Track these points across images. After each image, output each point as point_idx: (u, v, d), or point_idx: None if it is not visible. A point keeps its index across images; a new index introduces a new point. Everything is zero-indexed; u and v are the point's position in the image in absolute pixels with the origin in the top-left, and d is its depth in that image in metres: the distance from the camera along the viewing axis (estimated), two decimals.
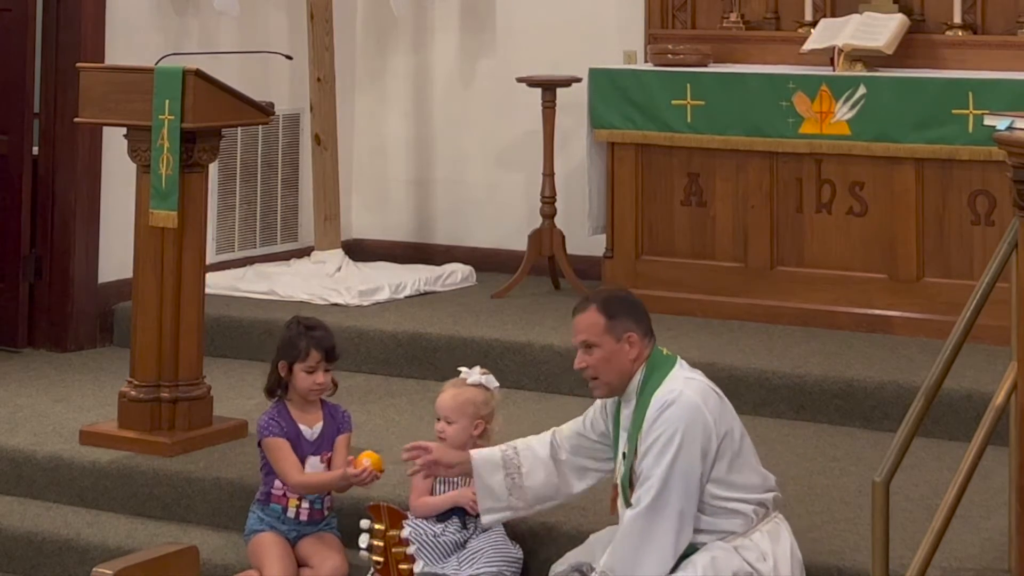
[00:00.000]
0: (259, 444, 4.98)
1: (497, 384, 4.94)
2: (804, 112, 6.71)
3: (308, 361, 4.95)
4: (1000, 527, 4.60)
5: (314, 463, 4.96)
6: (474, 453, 4.57)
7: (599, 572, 4.23)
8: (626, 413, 4.38)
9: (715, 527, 4.25)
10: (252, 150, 7.90)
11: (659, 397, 4.25)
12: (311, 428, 4.98)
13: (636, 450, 4.27)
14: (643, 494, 4.20)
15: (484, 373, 4.91)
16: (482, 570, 4.69)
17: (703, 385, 4.32)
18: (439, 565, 4.70)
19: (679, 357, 4.41)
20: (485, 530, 4.77)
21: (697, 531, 4.23)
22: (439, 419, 4.86)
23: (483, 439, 4.86)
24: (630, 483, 4.31)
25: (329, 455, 4.98)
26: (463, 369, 4.95)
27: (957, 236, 6.53)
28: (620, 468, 4.40)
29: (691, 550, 4.24)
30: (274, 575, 4.78)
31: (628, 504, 4.29)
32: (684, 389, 4.26)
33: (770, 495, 4.35)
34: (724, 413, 4.30)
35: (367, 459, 4.78)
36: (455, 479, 4.81)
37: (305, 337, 4.96)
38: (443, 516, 4.78)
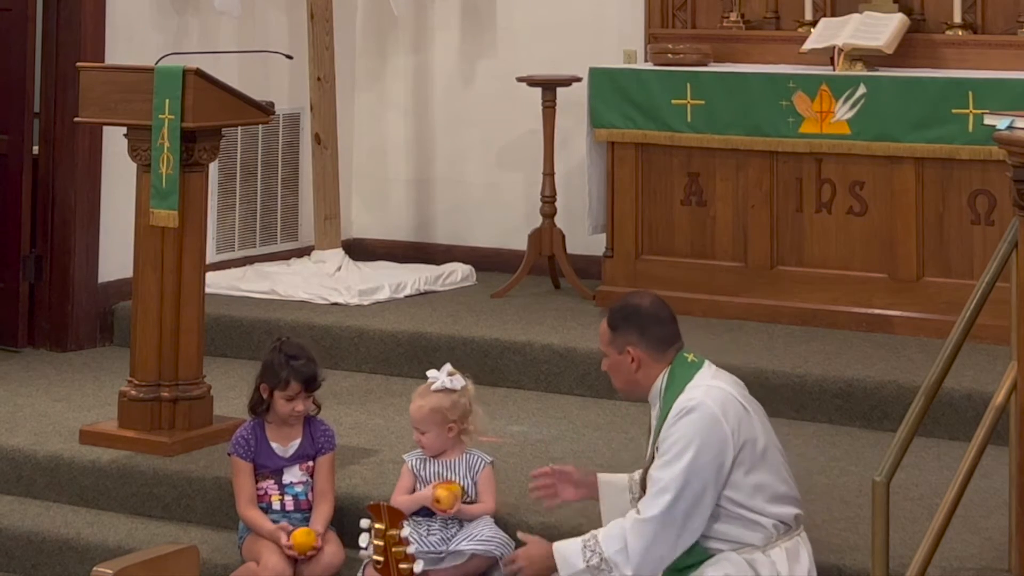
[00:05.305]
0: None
1: (464, 382, 4.86)
2: (804, 112, 6.70)
3: (288, 391, 4.95)
4: (1000, 527, 4.59)
5: (294, 472, 4.97)
6: (600, 477, 4.51)
7: (606, 557, 4.11)
8: (653, 414, 4.32)
9: (730, 536, 4.15)
10: (252, 150, 7.90)
11: (678, 404, 4.16)
12: (285, 446, 4.99)
13: (653, 456, 4.20)
14: (652, 500, 4.09)
15: (451, 374, 4.86)
16: (479, 547, 4.69)
17: (725, 394, 4.19)
18: (436, 549, 4.72)
19: (707, 362, 4.31)
20: (471, 520, 4.79)
21: (712, 538, 4.14)
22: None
23: (466, 436, 4.85)
24: (642, 487, 4.25)
25: (309, 465, 4.99)
26: (431, 373, 4.88)
27: (957, 236, 6.52)
28: (638, 473, 4.36)
29: (704, 557, 4.15)
30: (273, 563, 4.78)
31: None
32: (704, 398, 4.14)
33: (792, 511, 4.23)
34: (745, 423, 4.17)
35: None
36: (430, 479, 4.82)
37: (287, 367, 4.95)
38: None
